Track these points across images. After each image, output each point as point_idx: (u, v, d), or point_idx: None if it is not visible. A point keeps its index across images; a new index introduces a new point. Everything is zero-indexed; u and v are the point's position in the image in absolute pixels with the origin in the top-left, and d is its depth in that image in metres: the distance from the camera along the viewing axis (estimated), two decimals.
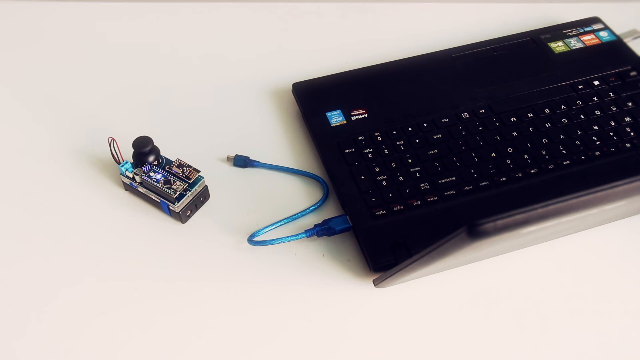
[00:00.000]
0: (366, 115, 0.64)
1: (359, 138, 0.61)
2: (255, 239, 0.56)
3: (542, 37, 0.71)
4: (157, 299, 0.52)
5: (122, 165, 0.57)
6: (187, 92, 0.69)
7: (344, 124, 0.63)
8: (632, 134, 0.61)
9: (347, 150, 0.60)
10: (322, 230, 0.55)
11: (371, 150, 0.60)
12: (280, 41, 0.75)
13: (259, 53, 0.74)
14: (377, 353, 0.49)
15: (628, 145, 0.61)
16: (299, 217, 0.58)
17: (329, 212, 0.58)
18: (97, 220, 0.58)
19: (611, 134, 0.62)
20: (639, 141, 0.61)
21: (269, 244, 0.55)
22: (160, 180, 0.56)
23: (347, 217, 0.56)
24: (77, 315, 0.51)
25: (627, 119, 0.63)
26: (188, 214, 0.57)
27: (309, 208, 0.58)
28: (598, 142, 0.61)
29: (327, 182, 0.60)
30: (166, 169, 0.57)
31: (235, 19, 0.78)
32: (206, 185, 0.57)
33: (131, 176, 0.57)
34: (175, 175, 0.56)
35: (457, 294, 0.53)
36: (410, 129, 0.62)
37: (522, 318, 0.51)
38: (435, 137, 0.61)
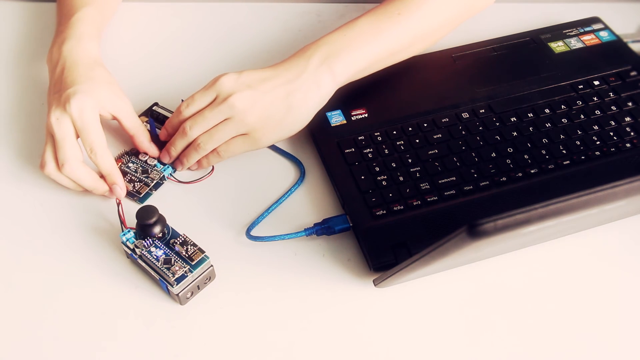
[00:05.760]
0: (366, 115, 0.64)
1: (359, 138, 0.61)
2: (253, 232, 0.56)
3: (542, 37, 0.71)
4: (156, 299, 0.52)
5: (124, 234, 0.52)
6: (186, 92, 0.69)
7: (344, 124, 0.63)
8: (632, 134, 0.61)
9: (347, 150, 0.60)
10: (321, 229, 0.55)
11: (371, 150, 0.60)
12: (280, 41, 0.75)
13: (259, 53, 0.74)
14: (377, 353, 0.49)
15: (628, 145, 0.61)
16: (285, 199, 0.59)
17: (329, 211, 0.58)
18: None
19: (611, 134, 0.61)
20: (639, 141, 0.61)
21: (268, 240, 0.55)
22: (160, 258, 0.51)
23: (347, 216, 0.56)
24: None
25: (627, 119, 0.63)
26: (188, 296, 0.52)
27: (291, 188, 0.59)
28: (598, 142, 0.61)
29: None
30: (170, 243, 0.52)
31: (235, 18, 0.78)
32: (212, 266, 0.52)
33: (132, 247, 0.52)
34: (178, 254, 0.51)
35: (457, 293, 0.53)
36: (410, 129, 0.62)
37: (522, 318, 0.51)
38: (435, 137, 0.61)
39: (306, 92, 0.57)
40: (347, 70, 0.59)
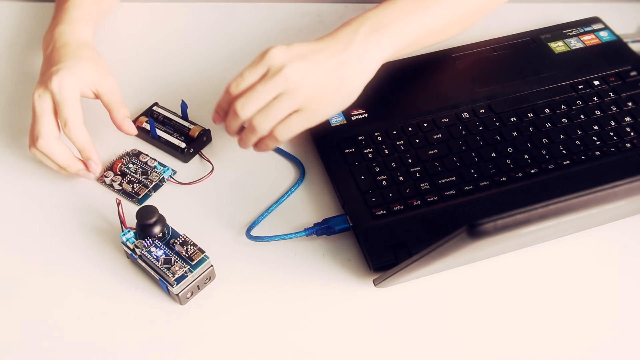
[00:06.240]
0: (366, 115, 0.64)
1: (359, 138, 0.61)
2: (253, 233, 0.56)
3: (542, 37, 0.71)
4: (156, 299, 0.53)
5: (124, 234, 0.52)
6: (186, 92, 0.69)
7: (344, 124, 0.63)
8: (632, 134, 0.61)
9: (347, 150, 0.60)
10: (321, 229, 0.55)
11: (371, 150, 0.60)
12: (281, 41, 0.75)
13: (259, 53, 0.73)
14: (377, 353, 0.49)
15: (628, 145, 0.60)
16: (285, 199, 0.59)
17: (329, 211, 0.58)
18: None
19: (611, 134, 0.61)
20: (639, 141, 0.61)
21: (268, 240, 0.55)
22: (160, 258, 0.51)
23: (347, 216, 0.56)
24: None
25: (627, 119, 0.63)
26: (188, 296, 0.52)
27: (291, 188, 0.59)
28: (598, 142, 0.61)
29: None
30: (170, 243, 0.52)
31: (235, 18, 0.78)
32: (212, 266, 0.52)
33: (132, 247, 0.52)
34: (178, 254, 0.51)
35: (458, 293, 0.53)
36: (410, 129, 0.62)
37: (522, 318, 0.51)
38: (435, 137, 0.61)
39: (357, 63, 0.55)
40: (394, 43, 0.56)
